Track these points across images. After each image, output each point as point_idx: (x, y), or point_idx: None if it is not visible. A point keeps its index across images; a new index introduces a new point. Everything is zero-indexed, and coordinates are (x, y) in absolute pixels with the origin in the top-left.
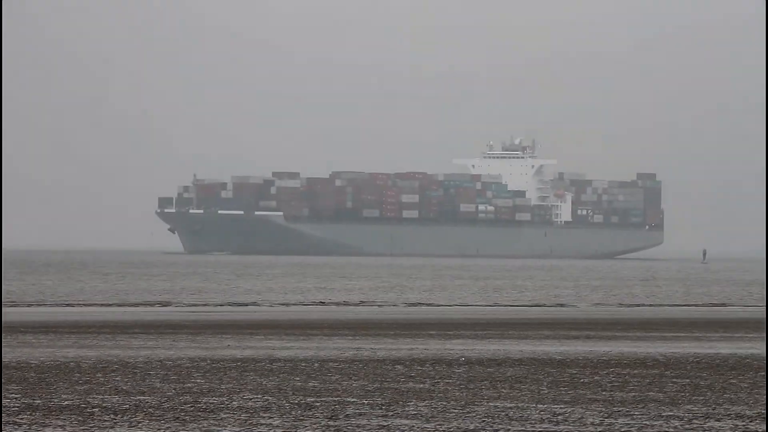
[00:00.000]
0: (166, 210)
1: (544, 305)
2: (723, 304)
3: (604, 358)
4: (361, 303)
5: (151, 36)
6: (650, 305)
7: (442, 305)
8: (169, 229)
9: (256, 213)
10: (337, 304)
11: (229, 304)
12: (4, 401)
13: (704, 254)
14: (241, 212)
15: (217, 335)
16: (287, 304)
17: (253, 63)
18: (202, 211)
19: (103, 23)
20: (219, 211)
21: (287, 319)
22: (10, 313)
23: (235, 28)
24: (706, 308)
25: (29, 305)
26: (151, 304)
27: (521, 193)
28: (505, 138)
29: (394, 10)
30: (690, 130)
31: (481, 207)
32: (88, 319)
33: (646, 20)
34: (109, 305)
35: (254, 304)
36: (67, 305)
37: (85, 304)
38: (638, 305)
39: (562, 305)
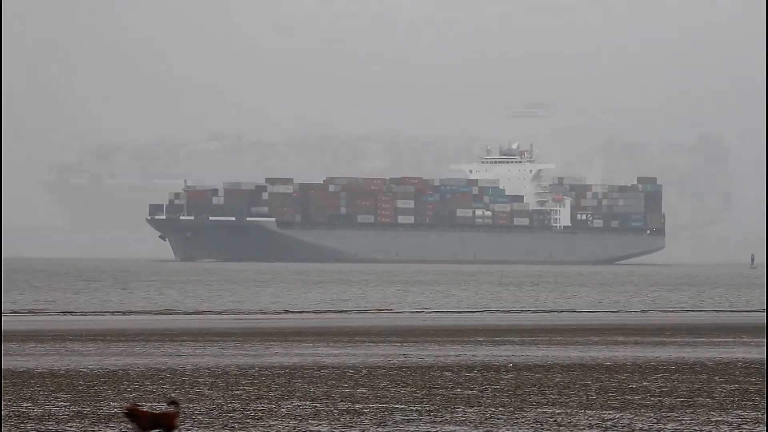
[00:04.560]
0: (156, 217)
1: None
2: None
3: (653, 363)
4: (408, 310)
5: (140, 38)
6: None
7: (495, 311)
8: (160, 237)
9: (248, 219)
10: (382, 311)
11: (280, 312)
12: (53, 409)
13: (752, 259)
14: (233, 218)
15: (264, 342)
16: (342, 311)
17: (245, 65)
18: (192, 217)
19: (75, 32)
20: (210, 218)
21: (335, 325)
22: (58, 322)
23: (226, 32)
24: (756, 313)
25: (74, 314)
26: (199, 312)
27: (519, 198)
28: (503, 142)
29: (389, 18)
30: (693, 134)
31: (479, 212)
32: (137, 327)
33: (649, 24)
34: (156, 313)
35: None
36: (117, 313)
37: (131, 312)
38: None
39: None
